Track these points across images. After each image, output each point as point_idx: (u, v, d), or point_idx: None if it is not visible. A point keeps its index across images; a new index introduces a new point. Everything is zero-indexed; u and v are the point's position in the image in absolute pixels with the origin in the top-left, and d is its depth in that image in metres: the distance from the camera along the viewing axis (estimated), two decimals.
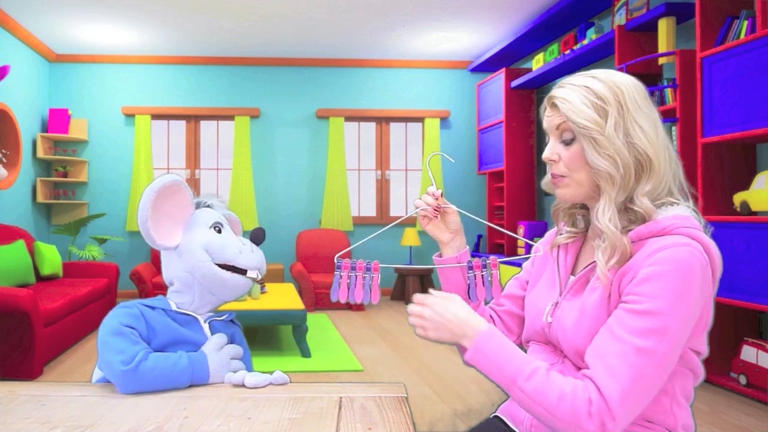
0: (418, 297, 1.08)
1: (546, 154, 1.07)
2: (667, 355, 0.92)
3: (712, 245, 0.97)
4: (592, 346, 0.97)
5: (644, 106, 1.01)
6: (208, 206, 1.32)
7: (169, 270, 1.26)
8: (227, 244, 1.23)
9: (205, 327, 1.23)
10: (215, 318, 1.26)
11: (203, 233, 1.24)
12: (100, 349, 1.13)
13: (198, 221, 1.26)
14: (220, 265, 1.22)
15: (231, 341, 1.26)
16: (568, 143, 1.04)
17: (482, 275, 1.15)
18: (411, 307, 1.07)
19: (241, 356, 1.24)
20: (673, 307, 0.91)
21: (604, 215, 1.00)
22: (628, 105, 1.00)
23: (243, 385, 1.14)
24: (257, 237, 1.30)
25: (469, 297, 1.15)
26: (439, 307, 1.04)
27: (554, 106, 1.05)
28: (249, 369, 1.29)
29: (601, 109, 1.00)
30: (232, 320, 1.32)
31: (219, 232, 1.26)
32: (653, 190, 1.00)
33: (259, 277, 1.27)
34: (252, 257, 1.25)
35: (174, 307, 1.22)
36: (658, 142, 1.00)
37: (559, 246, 1.17)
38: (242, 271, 1.24)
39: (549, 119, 1.06)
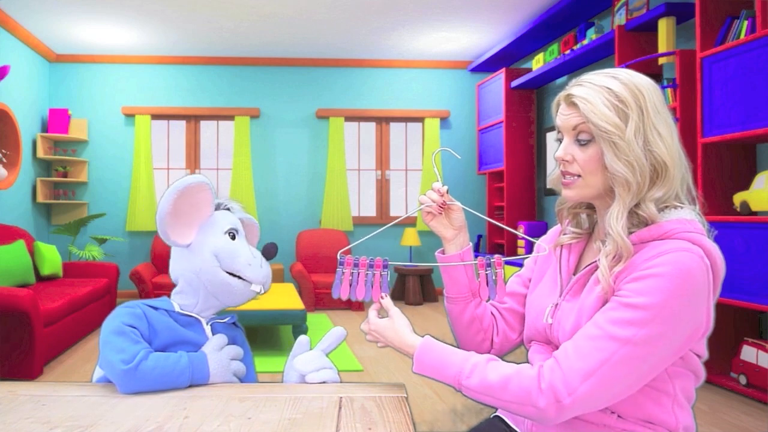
0: (364, 325, 1.17)
1: (559, 154, 1.04)
2: (641, 347, 0.90)
3: (715, 249, 0.96)
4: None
5: (662, 111, 1.00)
6: (228, 209, 1.31)
7: (176, 266, 1.25)
8: (238, 253, 1.22)
9: (207, 329, 1.24)
10: (217, 320, 1.27)
11: (217, 238, 1.23)
12: (101, 348, 1.13)
13: (214, 224, 1.24)
14: (226, 272, 1.22)
15: (232, 344, 1.26)
16: (584, 144, 1.02)
17: (486, 274, 1.15)
18: (363, 328, 1.17)
19: (242, 357, 1.24)
20: (660, 306, 0.90)
21: (618, 222, 0.98)
22: (648, 110, 0.98)
23: (304, 378, 1.18)
24: (269, 252, 1.28)
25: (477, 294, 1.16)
26: (381, 330, 1.13)
27: (572, 104, 1.02)
28: (251, 371, 1.29)
29: (622, 112, 0.98)
30: (234, 323, 1.31)
31: (233, 238, 1.24)
32: (662, 196, 0.99)
33: (263, 292, 1.26)
34: (260, 272, 1.23)
35: (177, 308, 1.22)
36: (674, 148, 0.99)
37: (562, 246, 1.16)
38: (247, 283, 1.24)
39: (566, 118, 1.03)
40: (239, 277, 1.22)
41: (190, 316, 1.23)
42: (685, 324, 0.93)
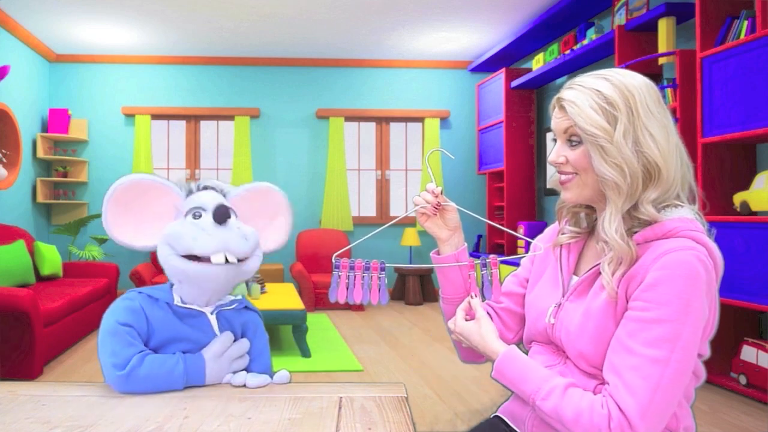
0: (452, 324, 1.17)
1: (552, 157, 1.05)
2: (682, 361, 0.91)
3: (716, 249, 0.97)
4: (607, 361, 0.97)
5: (656, 111, 0.99)
6: (207, 188, 1.23)
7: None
8: (182, 233, 1.13)
9: (213, 320, 1.19)
10: (224, 308, 1.21)
11: (171, 225, 1.17)
12: (98, 343, 1.13)
13: (181, 212, 1.19)
14: (188, 257, 1.14)
15: (243, 331, 1.22)
16: (574, 146, 1.02)
17: (482, 274, 1.15)
18: (450, 326, 1.18)
19: (248, 349, 1.21)
20: (682, 312, 0.91)
21: (611, 226, 0.98)
22: (639, 111, 0.97)
23: (245, 386, 1.14)
24: (216, 215, 1.14)
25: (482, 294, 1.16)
26: (467, 333, 1.14)
27: (562, 108, 1.03)
28: (266, 356, 1.25)
29: (610, 114, 0.97)
30: (246, 306, 1.25)
31: (198, 217, 1.15)
32: (659, 197, 0.99)
33: (230, 260, 1.13)
34: (208, 240, 1.12)
35: (177, 301, 1.17)
36: (668, 148, 0.98)
37: (561, 245, 1.16)
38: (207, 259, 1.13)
39: (557, 121, 1.04)
40: (197, 258, 1.14)
41: (193, 308, 1.18)
42: (702, 322, 0.94)
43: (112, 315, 1.14)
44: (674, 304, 0.91)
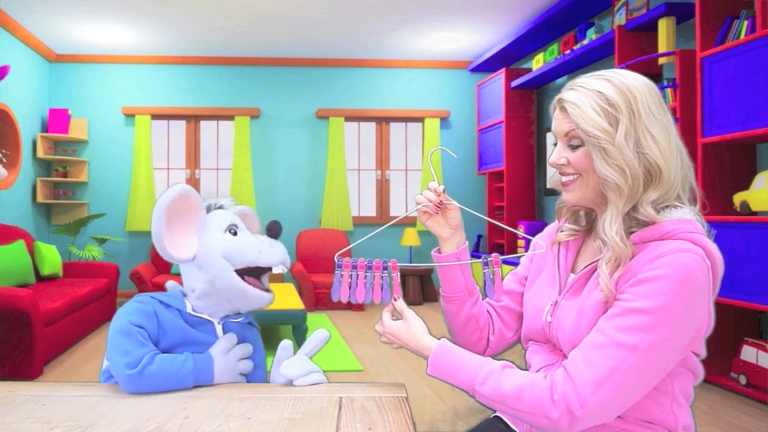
0: (379, 327, 1.15)
1: (553, 159, 1.04)
2: (648, 352, 0.90)
3: (715, 249, 0.96)
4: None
5: (657, 112, 0.98)
6: (221, 207, 1.27)
7: (189, 281, 1.23)
8: (246, 246, 1.20)
9: (219, 329, 1.22)
10: (231, 320, 1.24)
11: (219, 239, 1.20)
12: (108, 343, 1.14)
13: (211, 226, 1.22)
14: (242, 270, 1.19)
15: (243, 342, 1.24)
16: (575, 148, 1.02)
17: (484, 272, 1.15)
18: (378, 329, 1.15)
19: (251, 355, 1.23)
20: (665, 309, 0.90)
21: (611, 228, 0.98)
22: (640, 112, 0.97)
23: (291, 382, 1.16)
24: (273, 231, 1.25)
25: (485, 293, 1.16)
26: (397, 333, 1.12)
27: (564, 109, 1.02)
28: (262, 370, 1.28)
29: (611, 116, 0.97)
30: (249, 322, 1.29)
31: (234, 234, 1.22)
32: (659, 198, 0.98)
33: (285, 270, 1.24)
34: (273, 253, 1.21)
35: (189, 309, 1.20)
36: (669, 149, 0.98)
37: (559, 243, 1.16)
38: (267, 269, 1.22)
39: (558, 123, 1.03)
40: (257, 269, 1.20)
41: (202, 317, 1.21)
42: (689, 325, 0.93)
43: (126, 315, 1.14)
44: (659, 299, 0.90)
